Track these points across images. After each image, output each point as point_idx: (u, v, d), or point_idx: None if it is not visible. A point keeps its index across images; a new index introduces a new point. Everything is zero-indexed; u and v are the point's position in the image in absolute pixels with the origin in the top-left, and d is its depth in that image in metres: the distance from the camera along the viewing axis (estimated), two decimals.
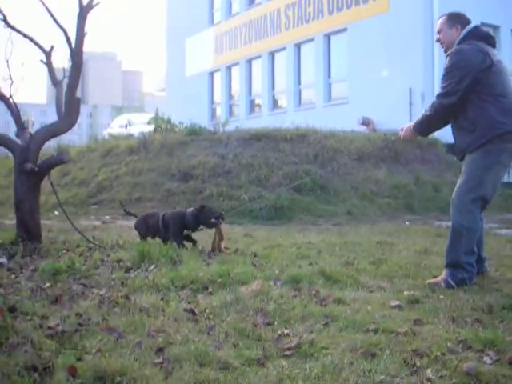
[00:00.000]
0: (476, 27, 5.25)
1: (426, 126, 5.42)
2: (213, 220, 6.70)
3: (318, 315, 3.90)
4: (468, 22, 5.28)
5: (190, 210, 6.98)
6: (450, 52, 5.20)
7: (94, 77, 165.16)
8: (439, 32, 5.41)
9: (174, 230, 6.93)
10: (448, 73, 5.12)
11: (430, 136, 15.86)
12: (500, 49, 19.29)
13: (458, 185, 5.23)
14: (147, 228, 7.26)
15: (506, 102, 5.05)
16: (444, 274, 5.03)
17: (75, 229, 7.37)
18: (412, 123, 5.48)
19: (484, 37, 5.21)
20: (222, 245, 6.69)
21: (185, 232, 6.99)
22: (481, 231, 5.32)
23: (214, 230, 6.81)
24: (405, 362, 3.09)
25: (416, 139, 6.69)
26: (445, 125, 5.47)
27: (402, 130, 5.65)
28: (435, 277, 5.20)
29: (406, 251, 7.12)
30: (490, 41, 5.24)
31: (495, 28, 19.54)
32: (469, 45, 5.09)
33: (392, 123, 17.93)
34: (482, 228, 5.33)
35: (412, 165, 15.43)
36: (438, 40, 5.44)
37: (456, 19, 5.31)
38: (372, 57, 20.31)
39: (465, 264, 5.00)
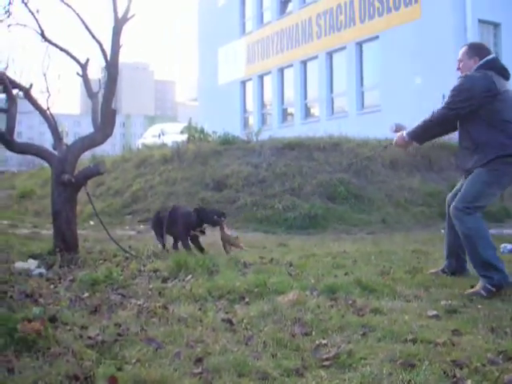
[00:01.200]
0: (493, 59, 5.50)
1: (422, 132, 5.68)
2: (215, 217, 7.12)
3: (356, 325, 3.89)
4: (487, 53, 5.53)
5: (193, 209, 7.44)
6: (460, 76, 5.51)
7: (126, 86, 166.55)
8: (460, 61, 5.65)
9: (181, 230, 7.32)
10: (452, 90, 5.37)
11: None
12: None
13: (459, 195, 5.43)
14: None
15: (509, 125, 5.26)
16: (480, 282, 5.05)
17: (111, 238, 7.43)
18: (405, 131, 5.82)
19: (497, 68, 5.43)
20: (240, 244, 7.27)
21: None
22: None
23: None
24: (444, 372, 3.07)
25: (410, 146, 6.49)
26: (436, 135, 6.16)
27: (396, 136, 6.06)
28: (472, 287, 5.16)
29: (441, 260, 7.02)
30: (503, 73, 5.46)
31: None
32: (479, 73, 5.34)
33: None
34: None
35: (446, 172, 15.30)
36: (459, 68, 5.66)
37: (475, 51, 5.57)
38: (404, 64, 20.22)
39: (491, 260, 5.07)
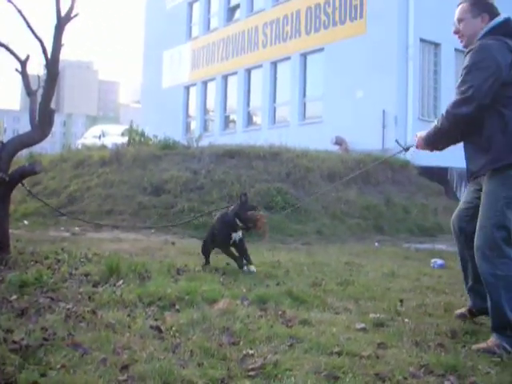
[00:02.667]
0: (507, 21, 4.24)
1: (437, 139, 4.48)
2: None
3: (284, 336, 3.92)
4: (497, 12, 4.30)
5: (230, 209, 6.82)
6: (470, 48, 4.20)
7: (69, 85, 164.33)
8: (459, 21, 4.39)
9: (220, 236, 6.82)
10: (468, 73, 4.08)
11: (402, 158, 16.01)
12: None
13: (478, 224, 4.19)
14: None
15: None
16: (495, 338, 4.00)
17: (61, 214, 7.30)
18: (424, 132, 4.58)
19: None
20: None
21: (234, 236, 6.68)
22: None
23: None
24: None
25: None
26: (458, 140, 4.51)
27: (415, 136, 4.75)
28: (402, 301, 5.23)
29: (373, 273, 7.18)
30: None
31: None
32: (496, 40, 4.10)
33: (365, 144, 18.14)
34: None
35: (383, 186, 15.55)
36: (457, 32, 4.43)
37: (483, 7, 4.31)
38: (347, 77, 20.49)
39: None
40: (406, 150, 5.10)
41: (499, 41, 4.07)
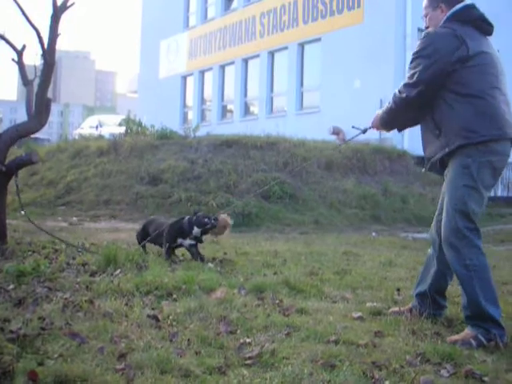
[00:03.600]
0: (466, 7, 4.19)
1: (390, 120, 4.52)
2: (206, 220, 6.53)
3: (281, 325, 3.93)
4: (459, 0, 4.23)
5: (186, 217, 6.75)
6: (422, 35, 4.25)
7: (66, 75, 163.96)
8: (425, 16, 4.43)
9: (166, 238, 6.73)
10: (413, 60, 4.20)
11: (400, 147, 16.02)
12: None
13: (443, 213, 4.16)
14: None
15: (480, 105, 4.02)
16: (470, 330, 3.91)
17: (42, 230, 7.30)
18: (380, 111, 4.61)
19: (473, 20, 4.15)
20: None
21: (179, 241, 6.66)
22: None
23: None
24: (364, 373, 3.14)
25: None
26: (409, 122, 4.61)
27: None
28: (399, 290, 5.24)
29: (370, 262, 7.19)
30: (482, 26, 4.17)
31: None
32: (444, 28, 4.12)
33: (362, 134, 18.08)
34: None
35: (380, 175, 15.57)
36: (426, 27, 4.44)
37: None
38: (345, 67, 20.47)
39: (490, 311, 3.89)
40: (364, 131, 5.05)
41: (446, 28, 4.10)
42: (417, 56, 4.15)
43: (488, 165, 4.01)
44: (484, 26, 4.17)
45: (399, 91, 4.22)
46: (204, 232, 6.56)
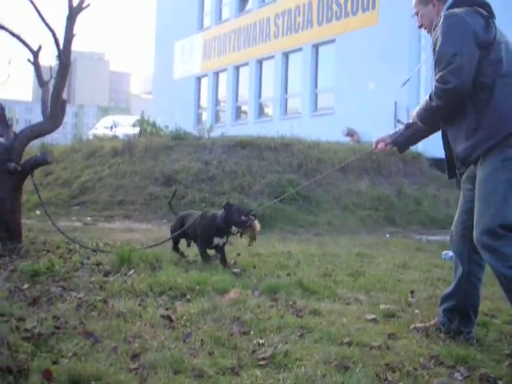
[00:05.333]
0: None
1: (429, 117, 3.91)
2: (243, 218, 5.91)
3: (294, 326, 3.93)
4: None
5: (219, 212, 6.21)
6: (436, 23, 3.85)
7: (81, 76, 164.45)
8: (417, 15, 4.17)
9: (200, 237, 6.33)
10: (443, 45, 3.63)
11: (414, 149, 15.96)
12: None
13: (474, 219, 3.66)
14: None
15: None
16: None
17: (58, 229, 7.32)
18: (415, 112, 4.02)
19: (478, 3, 3.77)
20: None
21: (216, 241, 6.19)
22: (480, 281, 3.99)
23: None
24: (377, 375, 3.14)
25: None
26: (436, 129, 4.12)
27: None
28: (413, 292, 5.22)
29: (384, 264, 7.17)
30: (487, 9, 3.77)
31: None
32: (462, 8, 3.69)
33: (376, 135, 18.01)
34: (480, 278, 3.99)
35: (395, 177, 15.50)
36: (420, 26, 4.23)
37: None
38: (359, 69, 20.41)
39: None
40: (407, 126, 4.44)
41: (465, 8, 3.69)
42: (446, 38, 3.61)
43: None
44: (490, 9, 3.77)
45: (443, 81, 3.57)
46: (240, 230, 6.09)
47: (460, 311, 3.96)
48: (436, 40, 3.73)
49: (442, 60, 3.62)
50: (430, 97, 3.77)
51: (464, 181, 3.99)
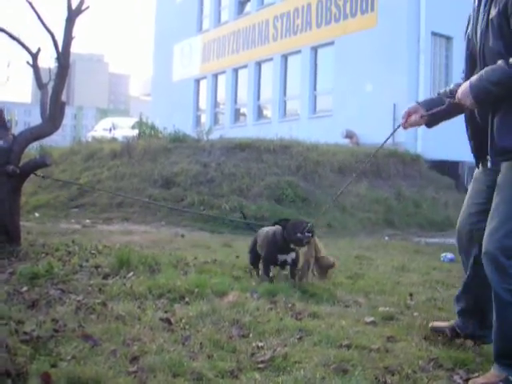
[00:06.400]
0: None
1: (497, 93, 3.02)
2: (298, 235, 5.38)
3: (293, 329, 3.93)
4: None
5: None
6: None
7: (80, 78, 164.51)
8: None
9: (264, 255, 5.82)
10: None
11: (413, 152, 15.94)
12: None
13: (491, 223, 3.13)
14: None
15: None
16: (497, 370, 3.11)
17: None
18: (468, 83, 3.13)
19: None
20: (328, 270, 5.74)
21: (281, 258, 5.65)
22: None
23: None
24: (376, 378, 3.13)
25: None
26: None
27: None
28: (412, 295, 5.21)
29: (383, 267, 7.18)
30: None
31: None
32: None
33: (375, 138, 18.01)
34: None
35: (394, 180, 15.52)
36: None
37: None
38: (358, 71, 20.42)
39: None
40: (447, 106, 3.55)
41: None
42: None
43: None
44: None
45: None
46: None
47: (473, 313, 3.67)
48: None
49: None
50: (507, 63, 2.92)
51: (481, 176, 3.50)
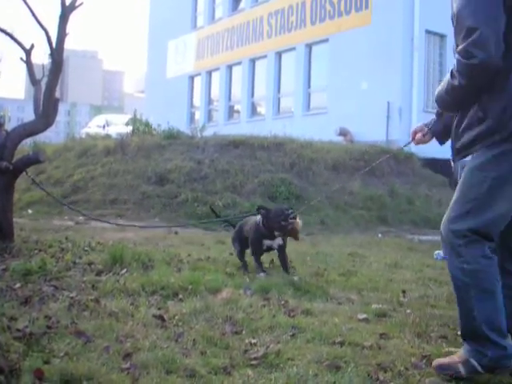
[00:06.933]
0: None
1: (450, 101, 3.26)
2: (282, 223, 5.66)
3: (286, 326, 3.93)
4: None
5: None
6: None
7: (73, 74, 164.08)
8: None
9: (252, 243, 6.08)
10: (466, 7, 2.97)
11: (406, 149, 16.03)
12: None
13: (451, 205, 3.30)
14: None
15: None
16: (463, 352, 3.18)
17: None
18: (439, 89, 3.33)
19: None
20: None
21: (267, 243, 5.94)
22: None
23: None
24: (369, 375, 3.14)
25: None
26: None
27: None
28: (405, 292, 5.23)
29: (376, 264, 7.19)
30: None
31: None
32: None
33: (369, 135, 18.14)
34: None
35: (387, 177, 15.53)
36: None
37: None
38: (352, 68, 20.42)
39: (487, 333, 3.06)
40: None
41: None
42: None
43: None
44: None
45: (466, 55, 2.94)
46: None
47: None
48: (455, 2, 3.09)
49: (462, 27, 2.99)
50: (451, 74, 3.12)
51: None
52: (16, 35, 7.49)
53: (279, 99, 25.06)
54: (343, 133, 19.55)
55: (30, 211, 12.50)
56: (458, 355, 3.20)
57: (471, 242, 3.11)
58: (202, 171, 13.75)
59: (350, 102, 20.03)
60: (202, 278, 5.15)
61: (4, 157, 6.84)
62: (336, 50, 21.60)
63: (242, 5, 28.00)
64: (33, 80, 7.52)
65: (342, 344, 3.62)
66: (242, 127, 21.78)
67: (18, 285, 4.76)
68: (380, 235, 11.42)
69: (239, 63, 27.12)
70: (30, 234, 8.00)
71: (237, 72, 27.55)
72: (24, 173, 7.15)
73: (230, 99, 28.09)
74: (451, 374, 3.14)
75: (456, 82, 3.07)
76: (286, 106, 24.76)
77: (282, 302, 4.63)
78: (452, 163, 3.68)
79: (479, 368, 3.07)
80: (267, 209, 5.92)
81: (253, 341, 3.60)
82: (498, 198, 3.09)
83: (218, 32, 28.69)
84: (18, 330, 3.42)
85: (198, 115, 29.67)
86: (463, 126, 3.22)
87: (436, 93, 3.35)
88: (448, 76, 3.16)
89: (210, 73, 29.44)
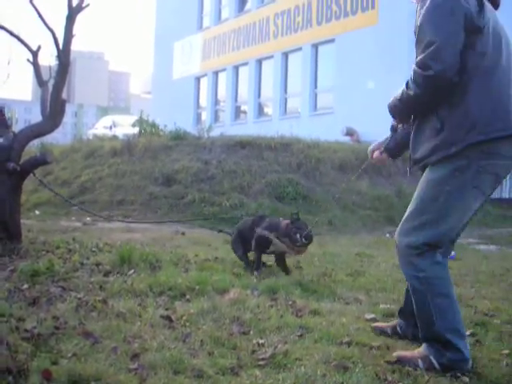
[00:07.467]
0: None
1: (404, 110, 3.51)
2: (297, 236, 5.64)
3: (294, 326, 3.93)
4: None
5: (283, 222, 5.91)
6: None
7: (80, 76, 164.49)
8: None
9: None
10: (426, 23, 3.20)
11: None
12: None
13: (405, 214, 3.51)
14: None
15: (495, 80, 3.18)
16: (423, 349, 3.37)
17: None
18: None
19: None
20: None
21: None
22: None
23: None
24: (377, 375, 3.13)
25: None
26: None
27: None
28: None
29: (384, 264, 7.16)
30: None
31: None
32: None
33: (376, 135, 18.02)
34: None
35: (394, 177, 15.48)
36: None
37: None
38: (359, 68, 20.42)
39: (447, 335, 3.25)
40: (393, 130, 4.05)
41: None
42: (434, 15, 3.16)
43: (490, 170, 3.21)
44: None
45: (423, 66, 3.12)
46: None
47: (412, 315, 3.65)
48: (423, 12, 3.27)
49: (422, 40, 3.21)
50: (406, 85, 3.30)
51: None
52: (23, 37, 7.50)
53: (286, 99, 25.08)
54: (350, 133, 19.53)
55: (37, 212, 12.51)
56: (418, 351, 3.38)
57: (423, 252, 3.32)
58: (209, 172, 13.75)
59: (356, 101, 20.02)
60: (210, 279, 5.15)
61: (11, 158, 6.84)
62: (342, 50, 21.59)
63: (248, 5, 28.04)
64: (40, 81, 7.53)
65: (349, 344, 3.62)
66: (248, 128, 21.80)
67: (25, 286, 4.76)
68: (388, 235, 11.37)
69: (246, 64, 27.14)
70: (37, 235, 8.00)
71: (243, 72, 27.57)
72: (31, 174, 7.15)
73: (236, 100, 28.12)
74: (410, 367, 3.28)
75: (411, 92, 3.25)
76: (292, 107, 24.77)
77: (290, 303, 4.63)
78: (408, 174, 3.82)
79: (437, 366, 3.25)
80: (298, 217, 5.91)
81: (260, 341, 3.59)
82: (452, 211, 3.27)
83: (225, 33, 28.72)
84: (26, 331, 3.42)
85: (205, 116, 29.71)
86: (421, 137, 3.37)
87: (390, 101, 3.55)
88: (403, 87, 3.35)
89: (216, 73, 29.47)
